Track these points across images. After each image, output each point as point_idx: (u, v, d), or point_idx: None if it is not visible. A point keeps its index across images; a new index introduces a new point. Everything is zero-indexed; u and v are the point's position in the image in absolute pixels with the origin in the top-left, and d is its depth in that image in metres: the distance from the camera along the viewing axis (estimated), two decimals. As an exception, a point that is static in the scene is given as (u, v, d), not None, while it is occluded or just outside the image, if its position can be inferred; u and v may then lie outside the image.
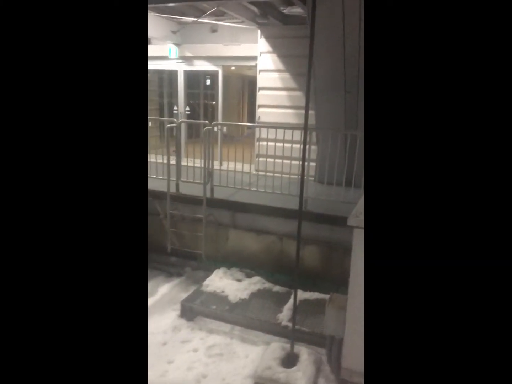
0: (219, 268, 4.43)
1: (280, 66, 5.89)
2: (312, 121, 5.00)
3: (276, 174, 4.64)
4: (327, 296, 2.93)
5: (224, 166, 5.03)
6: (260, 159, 6.13)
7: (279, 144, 4.47)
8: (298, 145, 4.35)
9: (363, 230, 2.35)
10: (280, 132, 4.52)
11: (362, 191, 3.66)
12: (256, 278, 4.24)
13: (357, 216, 2.34)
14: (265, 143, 5.87)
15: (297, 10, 5.33)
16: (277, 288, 4.10)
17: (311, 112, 4.97)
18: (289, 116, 5.90)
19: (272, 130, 4.78)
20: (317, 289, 3.96)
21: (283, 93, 5.95)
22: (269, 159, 5.28)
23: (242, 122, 9.89)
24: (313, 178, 5.42)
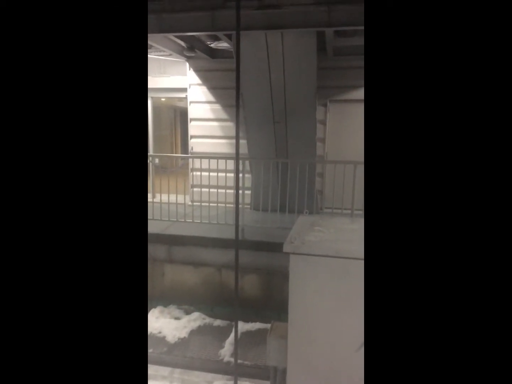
0: (155, 307, 4.17)
1: (210, 97, 5.98)
2: (245, 150, 5.10)
3: (211, 204, 4.58)
4: (268, 325, 2.88)
5: (158, 199, 4.86)
6: (195, 189, 6.04)
7: (214, 174, 4.46)
8: (232, 174, 4.39)
9: (299, 256, 2.38)
10: (214, 162, 4.52)
11: (295, 216, 3.75)
12: (196, 314, 4.06)
13: (291, 242, 2.36)
14: (199, 173, 5.83)
15: (223, 44, 5.51)
16: (218, 322, 3.96)
17: (243, 141, 5.09)
18: (222, 146, 5.96)
19: (206, 160, 4.76)
20: (259, 319, 3.90)
21: (215, 123, 6.02)
22: (204, 189, 5.23)
23: (175, 153, 9.76)
24: (249, 206, 5.46)
